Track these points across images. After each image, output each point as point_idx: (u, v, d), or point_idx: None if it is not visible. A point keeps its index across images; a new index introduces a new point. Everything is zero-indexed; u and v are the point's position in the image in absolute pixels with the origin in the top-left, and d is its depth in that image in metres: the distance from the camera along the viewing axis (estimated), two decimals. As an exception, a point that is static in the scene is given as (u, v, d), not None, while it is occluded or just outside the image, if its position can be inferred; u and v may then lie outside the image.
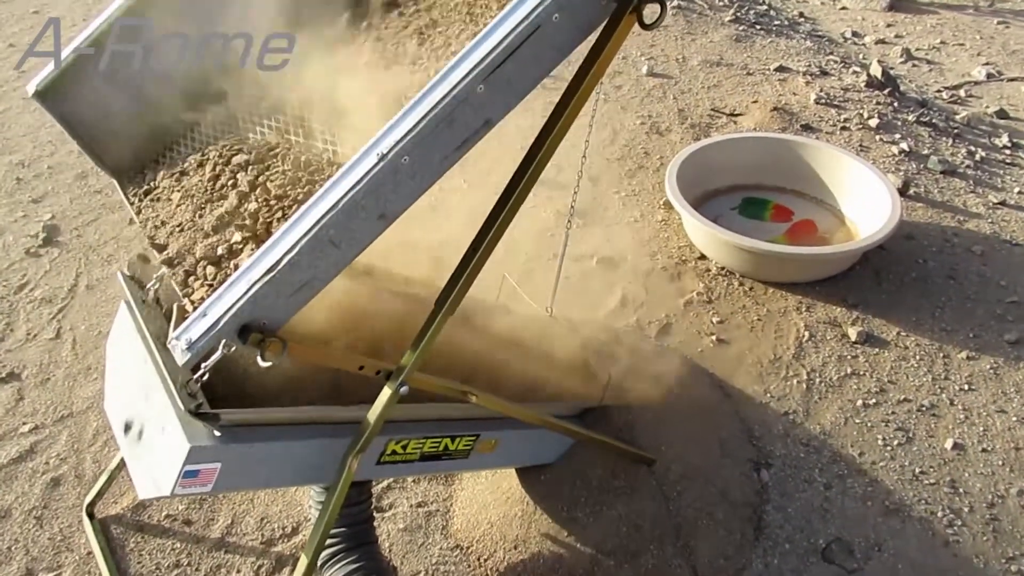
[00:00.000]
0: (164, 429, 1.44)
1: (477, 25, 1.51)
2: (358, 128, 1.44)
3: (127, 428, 1.59)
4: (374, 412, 1.53)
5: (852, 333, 2.75)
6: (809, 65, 4.54)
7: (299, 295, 1.26)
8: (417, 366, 1.52)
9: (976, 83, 4.93)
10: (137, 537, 2.20)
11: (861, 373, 2.63)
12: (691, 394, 2.47)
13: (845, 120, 3.94)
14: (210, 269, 1.33)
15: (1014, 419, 2.49)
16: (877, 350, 2.72)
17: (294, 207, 1.39)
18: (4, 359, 2.74)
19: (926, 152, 3.78)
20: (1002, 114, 4.46)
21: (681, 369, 2.58)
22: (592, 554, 2.05)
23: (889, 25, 5.83)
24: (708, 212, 3.16)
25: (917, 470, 2.34)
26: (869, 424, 2.46)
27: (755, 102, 4.11)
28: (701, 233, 3.07)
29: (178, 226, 1.44)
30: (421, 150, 1.24)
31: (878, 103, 4.13)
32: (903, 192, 3.43)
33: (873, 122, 3.92)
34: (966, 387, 2.60)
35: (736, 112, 4.07)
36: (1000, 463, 2.37)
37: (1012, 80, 4.97)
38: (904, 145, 3.76)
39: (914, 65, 5.19)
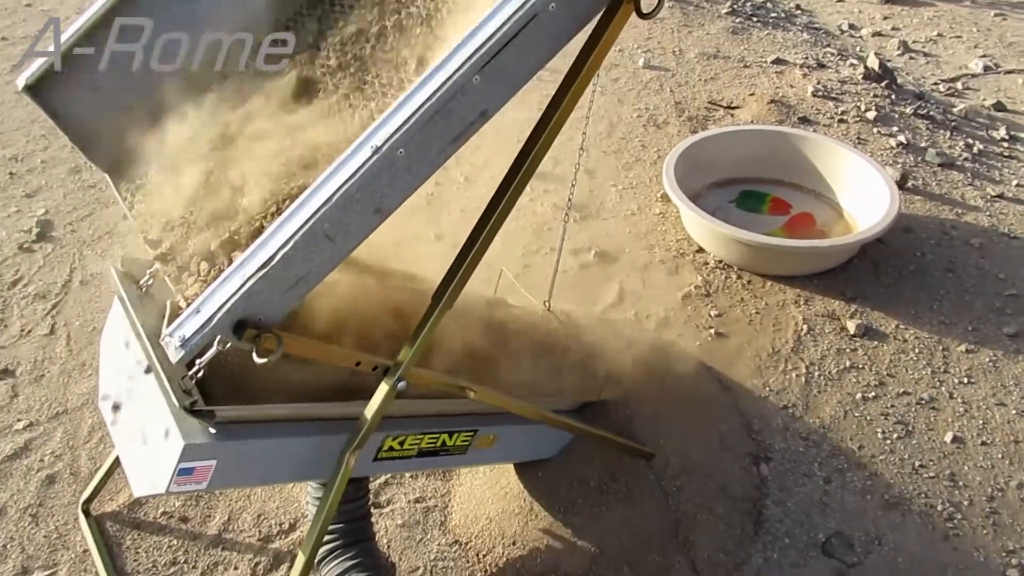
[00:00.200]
0: (159, 426, 1.43)
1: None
2: None
3: (122, 425, 1.58)
4: (371, 408, 1.51)
5: (851, 326, 2.74)
6: (806, 57, 4.52)
7: (294, 290, 1.24)
8: (414, 362, 1.51)
9: (973, 75, 4.91)
10: (133, 534, 2.18)
11: (860, 366, 2.62)
12: (690, 388, 2.45)
13: (842, 113, 3.93)
14: (204, 265, 1.31)
15: (1013, 412, 2.49)
16: (876, 343, 2.71)
17: (288, 202, 1.37)
18: (-2, 356, 2.72)
19: (924, 145, 3.76)
20: (999, 107, 4.45)
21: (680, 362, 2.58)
22: (591, 549, 2.04)
23: (886, 17, 5.81)
24: (706, 205, 3.14)
25: (917, 463, 2.33)
26: (868, 417, 2.46)
27: (752, 95, 4.09)
28: (699, 226, 3.05)
29: (171, 221, 1.42)
30: (416, 143, 1.23)
31: (875, 96, 4.12)
32: (901, 185, 3.42)
33: (871, 115, 3.90)
34: (965, 380, 2.59)
35: (733, 105, 4.05)
36: (1000, 456, 2.36)
37: (1009, 72, 4.95)
38: (902, 138, 3.75)
39: (911, 57, 5.17)
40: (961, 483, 2.29)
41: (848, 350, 2.68)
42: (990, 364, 2.65)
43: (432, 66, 1.22)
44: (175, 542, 2.16)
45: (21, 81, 1.56)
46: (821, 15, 5.77)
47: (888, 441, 2.39)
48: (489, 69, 1.22)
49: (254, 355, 1.25)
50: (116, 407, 1.58)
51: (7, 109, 4.11)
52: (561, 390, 2.11)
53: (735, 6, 5.17)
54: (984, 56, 5.14)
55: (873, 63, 4.39)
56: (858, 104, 4.00)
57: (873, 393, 2.53)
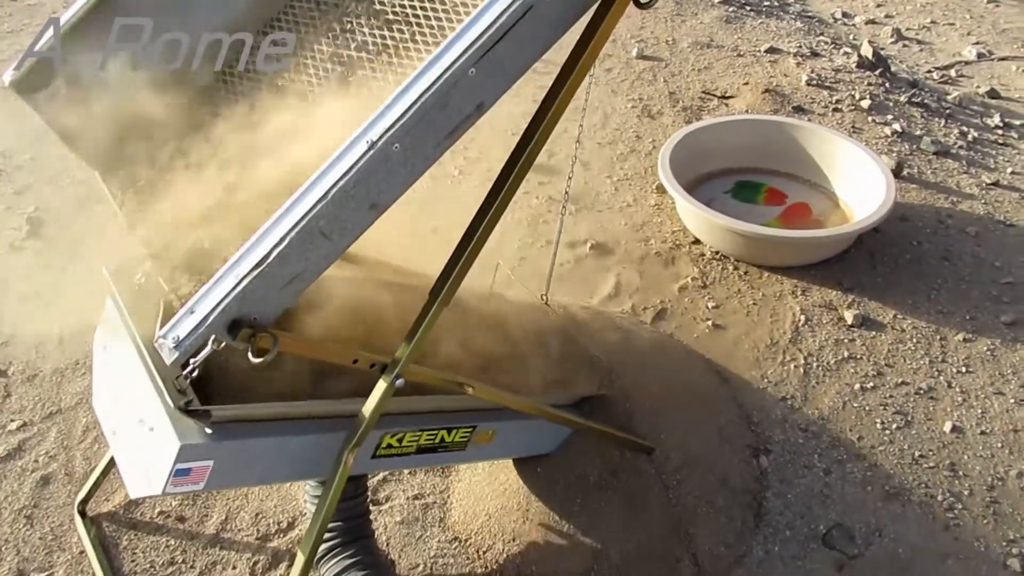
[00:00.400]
0: (154, 427, 1.41)
1: None
2: None
3: (116, 426, 1.56)
4: (369, 406, 1.50)
5: (848, 316, 2.74)
6: (800, 46, 4.51)
7: (289, 288, 1.22)
8: (412, 358, 1.49)
9: (967, 63, 4.90)
10: (130, 535, 2.16)
11: (858, 357, 2.61)
12: (688, 380, 2.44)
13: (837, 101, 3.92)
14: (197, 263, 1.29)
15: (1012, 401, 2.48)
16: (874, 333, 2.70)
17: (282, 198, 1.35)
18: (-10, 356, 2.70)
19: (919, 133, 3.75)
20: (993, 94, 4.44)
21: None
22: (591, 544, 2.03)
23: (879, 5, 5.79)
24: (701, 196, 3.13)
25: (916, 454, 2.33)
26: (867, 408, 2.45)
27: (746, 84, 4.07)
28: (695, 217, 3.04)
29: (163, 220, 1.40)
30: (412, 137, 1.21)
31: (869, 84, 4.11)
32: (896, 173, 3.41)
33: (865, 103, 3.89)
34: (963, 369, 2.59)
35: (727, 94, 4.04)
36: (999, 445, 2.36)
37: (1003, 59, 4.95)
38: (896, 126, 3.74)
39: (904, 45, 5.16)
40: (961, 473, 2.29)
41: (846, 340, 2.67)
42: (988, 353, 2.64)
43: (428, 59, 1.20)
44: (172, 542, 2.14)
45: (6, 78, 1.53)
46: (814, 3, 5.75)
47: (887, 432, 2.38)
48: (486, 61, 1.20)
49: (249, 355, 1.23)
50: (110, 408, 1.56)
51: (-5, 106, 4.07)
52: (559, 384, 2.10)
53: (728, -5, 5.14)
54: (977, 43, 5.13)
55: (867, 51, 4.38)
56: (852, 93, 3.99)
57: (871, 383, 2.53)
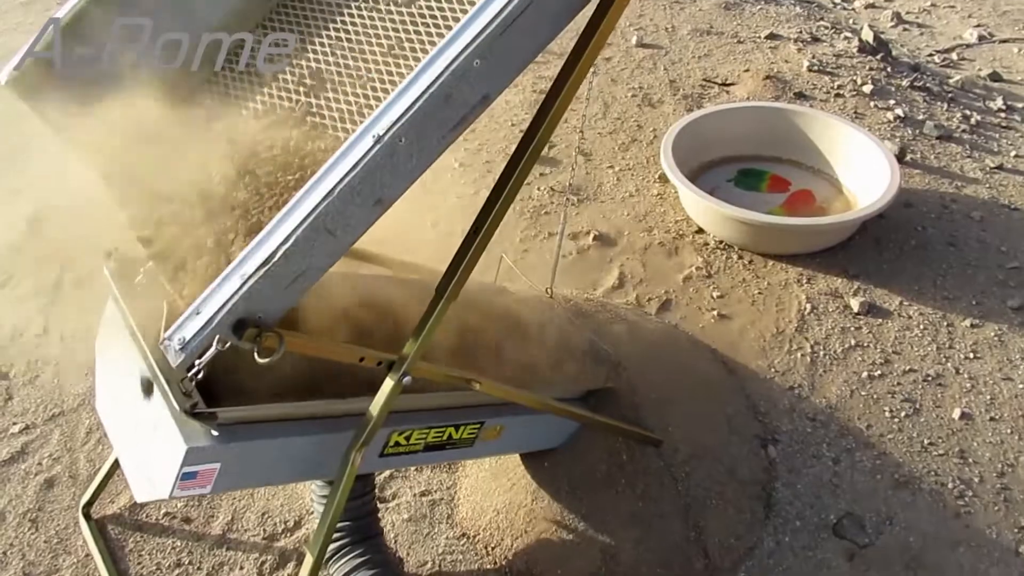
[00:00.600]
0: (159, 430, 1.39)
1: None
2: None
3: (120, 429, 1.54)
4: (376, 404, 1.48)
5: (854, 304, 2.72)
6: (800, 32, 4.47)
7: (295, 286, 1.21)
8: (420, 355, 1.47)
9: (968, 46, 4.87)
10: (136, 537, 2.15)
11: (865, 344, 2.60)
12: (695, 372, 2.43)
13: (839, 87, 3.89)
14: (200, 263, 1.27)
15: (1021, 386, 2.47)
16: (880, 320, 2.68)
17: (286, 194, 1.33)
18: (-10, 358, 2.68)
19: (921, 117, 3.73)
20: (995, 77, 4.41)
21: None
22: (601, 538, 2.02)
23: (878, -11, 5.75)
24: (704, 184, 3.11)
25: (926, 441, 2.31)
26: (875, 396, 2.43)
27: (747, 71, 4.04)
28: (698, 206, 3.02)
29: (163, 218, 1.37)
30: (418, 130, 1.19)
31: (871, 69, 4.07)
32: (900, 159, 3.38)
33: (867, 88, 3.86)
34: (971, 355, 2.57)
35: (728, 81, 4.01)
36: (1008, 431, 2.34)
37: (1004, 42, 4.91)
38: (899, 111, 3.71)
39: (905, 29, 5.12)
40: (971, 460, 2.27)
41: (852, 328, 2.65)
42: (995, 338, 2.63)
43: (432, 52, 1.18)
44: (179, 543, 2.13)
45: (4, 78, 1.51)
46: (812, -12, 5.70)
47: (896, 420, 2.37)
48: (491, 52, 1.18)
49: (255, 355, 1.21)
50: (113, 411, 1.55)
51: (-10, 105, 4.03)
52: (566, 378, 2.08)
53: (726, -19, 5.10)
54: (978, 26, 5.09)
55: (868, 36, 4.34)
56: (854, 78, 3.96)
57: (879, 371, 2.51)
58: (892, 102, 3.79)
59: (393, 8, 1.50)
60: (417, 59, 1.39)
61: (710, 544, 2.04)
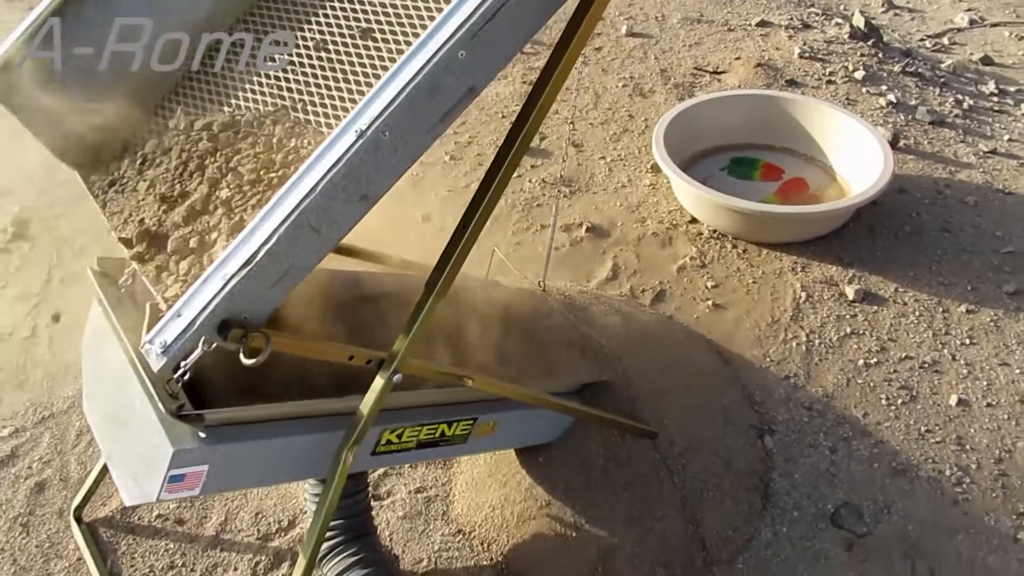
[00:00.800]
0: (146, 433, 1.36)
1: None
2: None
3: (107, 433, 1.52)
4: (367, 403, 1.46)
5: (849, 292, 2.70)
6: (791, 18, 4.44)
7: (279, 285, 1.18)
8: (410, 353, 1.45)
9: (959, 30, 4.85)
10: (128, 539, 2.13)
11: (861, 332, 2.58)
12: (690, 363, 2.41)
13: (830, 73, 3.86)
14: (183, 264, 1.25)
15: (1017, 372, 2.46)
16: (875, 308, 2.67)
17: (269, 192, 1.30)
18: (-22, 361, 2.65)
19: (913, 103, 3.71)
20: (987, 61, 4.39)
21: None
22: (597, 532, 2.00)
23: (868, -26, 5.72)
24: (696, 174, 3.08)
25: (923, 428, 2.30)
26: (872, 384, 2.42)
27: (738, 59, 4.02)
28: (691, 196, 2.99)
29: (145, 219, 1.35)
30: (403, 124, 1.16)
31: (862, 55, 4.05)
32: (893, 144, 3.36)
33: (859, 74, 3.84)
34: (967, 341, 2.56)
35: (719, 70, 3.98)
36: (1006, 417, 2.33)
37: (995, 25, 4.89)
38: (891, 97, 3.69)
39: (896, 14, 5.10)
40: (968, 446, 2.26)
41: (848, 316, 2.64)
42: (991, 324, 2.61)
43: (415, 43, 1.15)
44: (172, 545, 2.11)
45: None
46: (803, -25, 5.67)
47: (892, 407, 2.36)
48: (476, 43, 1.16)
49: (241, 356, 1.19)
50: (100, 415, 1.52)
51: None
52: (560, 372, 2.06)
53: (716, -31, 5.07)
54: (969, 10, 5.07)
55: (858, 21, 4.32)
56: (846, 64, 3.93)
57: (875, 359, 2.49)
58: (884, 88, 3.77)
59: (376, 1, 1.47)
60: (401, 51, 1.36)
61: (707, 536, 2.03)
